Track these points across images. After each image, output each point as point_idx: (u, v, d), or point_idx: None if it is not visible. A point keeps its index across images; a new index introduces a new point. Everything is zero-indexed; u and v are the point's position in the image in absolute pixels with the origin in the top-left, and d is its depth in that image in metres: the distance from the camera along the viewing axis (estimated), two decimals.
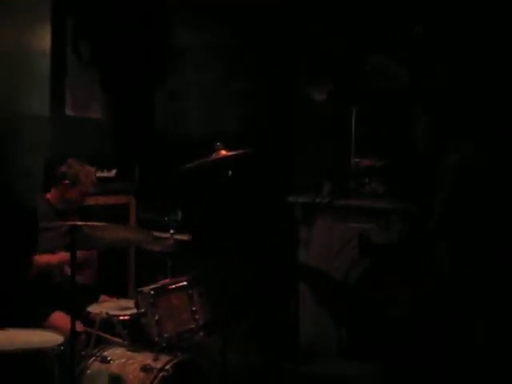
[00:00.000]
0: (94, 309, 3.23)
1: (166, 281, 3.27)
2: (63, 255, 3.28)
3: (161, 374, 2.81)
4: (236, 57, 4.91)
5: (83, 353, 2.99)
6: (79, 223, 2.61)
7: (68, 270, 3.49)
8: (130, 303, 3.26)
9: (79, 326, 3.03)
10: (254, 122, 4.79)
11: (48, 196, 3.53)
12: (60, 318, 3.26)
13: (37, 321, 3.16)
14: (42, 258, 3.31)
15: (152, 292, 3.05)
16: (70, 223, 2.63)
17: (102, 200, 4.37)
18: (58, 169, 3.55)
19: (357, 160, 4.24)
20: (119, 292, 3.75)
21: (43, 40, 4.41)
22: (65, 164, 3.54)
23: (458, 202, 2.57)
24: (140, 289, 3.12)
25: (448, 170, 2.56)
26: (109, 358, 2.93)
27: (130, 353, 2.99)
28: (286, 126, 4.71)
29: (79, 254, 3.33)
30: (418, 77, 4.09)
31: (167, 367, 2.84)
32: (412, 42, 4.14)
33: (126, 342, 3.10)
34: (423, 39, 4.09)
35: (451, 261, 2.76)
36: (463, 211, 2.53)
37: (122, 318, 3.16)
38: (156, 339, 3.01)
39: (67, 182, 3.49)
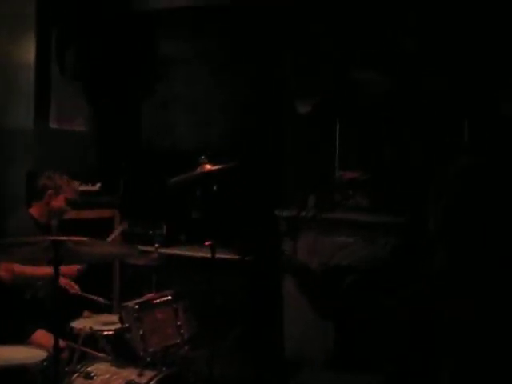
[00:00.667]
0: (77, 324, 3.20)
1: (151, 295, 3.25)
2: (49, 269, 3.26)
3: None
4: (224, 69, 4.92)
5: (67, 369, 2.96)
6: (63, 238, 2.59)
7: (64, 283, 3.46)
8: (114, 318, 3.24)
9: (62, 342, 3.00)
10: (239, 135, 4.80)
11: (31, 211, 3.49)
12: (42, 335, 3.23)
13: (19, 338, 3.12)
14: (27, 269, 3.28)
15: (136, 306, 3.04)
16: (53, 238, 2.61)
17: (86, 214, 4.34)
18: (38, 182, 3.51)
19: (341, 173, 4.25)
20: (103, 307, 3.72)
21: (28, 53, 4.42)
22: (43, 176, 3.51)
23: (461, 211, 2.59)
24: (124, 303, 3.11)
25: (449, 180, 2.58)
26: (92, 374, 2.89)
27: (114, 368, 2.96)
28: (271, 140, 4.72)
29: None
30: (406, 89, 4.12)
31: (152, 383, 2.82)
32: (400, 55, 4.17)
33: (110, 358, 3.07)
34: (412, 52, 4.13)
35: (451, 270, 2.78)
36: (466, 220, 2.54)
37: (106, 332, 3.14)
38: (141, 354, 2.99)
39: (51, 191, 3.46)
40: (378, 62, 4.28)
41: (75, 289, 3.51)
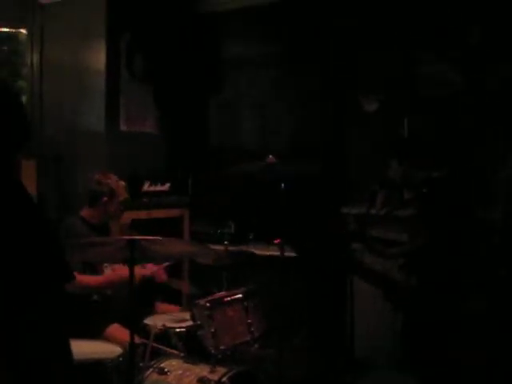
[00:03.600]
0: (150, 320, 3.27)
1: (222, 293, 3.28)
2: (111, 275, 3.32)
3: None
4: (288, 68, 4.92)
5: (141, 364, 3.02)
6: (137, 237, 2.66)
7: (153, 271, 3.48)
8: (186, 315, 3.29)
9: (136, 338, 3.07)
10: (306, 133, 4.79)
11: (82, 214, 3.49)
12: (117, 329, 3.31)
13: (94, 332, 3.21)
14: (88, 280, 3.26)
15: (208, 304, 3.07)
16: (129, 237, 2.68)
17: (156, 213, 4.44)
18: (89, 189, 3.51)
19: (409, 170, 4.17)
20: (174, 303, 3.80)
21: (98, 59, 4.56)
22: (93, 182, 3.50)
23: None
24: (196, 301, 3.15)
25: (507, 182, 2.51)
26: (166, 370, 2.95)
27: (186, 364, 3.00)
28: (338, 137, 4.69)
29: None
30: (474, 82, 4.01)
31: (224, 379, 2.84)
32: (467, 45, 4.06)
33: (182, 354, 3.12)
34: (479, 42, 4.01)
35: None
36: None
37: (178, 329, 3.18)
38: (212, 351, 3.03)
39: (106, 199, 3.47)
40: (444, 54, 4.18)
41: (163, 278, 3.53)
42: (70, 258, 3.00)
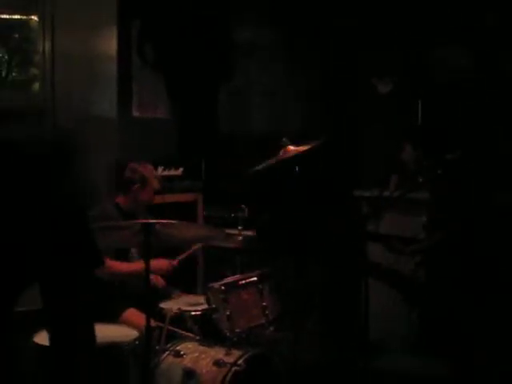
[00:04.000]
0: (166, 304, 3.30)
1: (236, 276, 3.29)
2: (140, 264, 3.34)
3: (233, 369, 2.83)
4: (299, 53, 4.90)
5: (157, 347, 3.05)
6: (152, 221, 2.67)
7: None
8: (201, 299, 3.31)
9: (152, 322, 3.08)
10: (318, 117, 4.78)
11: (117, 200, 3.56)
12: (133, 313, 3.34)
13: (111, 316, 3.24)
14: (120, 266, 3.34)
15: (223, 288, 3.08)
16: (143, 221, 2.70)
17: (170, 198, 4.45)
18: (122, 175, 3.56)
19: (423, 153, 4.16)
20: (188, 288, 3.82)
21: (110, 43, 4.55)
22: (127, 169, 3.55)
23: None
24: (211, 285, 3.16)
25: None
26: (182, 353, 2.97)
27: (202, 347, 3.02)
28: (350, 121, 4.67)
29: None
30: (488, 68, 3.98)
31: (239, 362, 2.86)
32: (480, 30, 4.03)
33: (197, 337, 3.14)
34: (492, 28, 3.98)
35: None
36: None
37: (193, 313, 3.20)
38: (227, 334, 3.04)
39: (137, 186, 3.51)
40: (459, 38, 4.15)
41: (161, 283, 3.56)
42: None
